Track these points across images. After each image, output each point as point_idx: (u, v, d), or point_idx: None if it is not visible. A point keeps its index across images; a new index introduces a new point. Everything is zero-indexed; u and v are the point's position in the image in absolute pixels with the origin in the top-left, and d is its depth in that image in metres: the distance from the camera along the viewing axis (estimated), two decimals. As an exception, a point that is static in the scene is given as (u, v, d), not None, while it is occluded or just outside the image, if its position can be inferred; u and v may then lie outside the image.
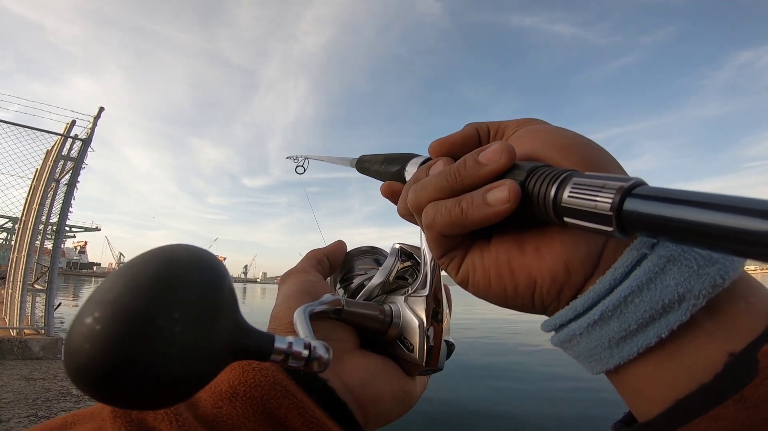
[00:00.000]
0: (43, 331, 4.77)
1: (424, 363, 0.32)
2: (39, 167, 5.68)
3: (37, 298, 5.14)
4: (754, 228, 0.13)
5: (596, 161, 0.24)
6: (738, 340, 0.19)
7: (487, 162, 0.23)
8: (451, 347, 0.35)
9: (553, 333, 0.25)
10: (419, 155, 0.33)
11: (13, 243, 6.14)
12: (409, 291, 0.34)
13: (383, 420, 0.32)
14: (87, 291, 27.66)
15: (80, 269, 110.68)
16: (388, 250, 0.39)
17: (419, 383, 0.36)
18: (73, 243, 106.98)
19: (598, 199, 0.18)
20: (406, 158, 0.33)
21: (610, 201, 0.18)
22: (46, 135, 5.48)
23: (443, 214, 0.24)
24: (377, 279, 0.37)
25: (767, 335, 0.19)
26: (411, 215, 0.29)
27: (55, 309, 5.08)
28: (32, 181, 5.76)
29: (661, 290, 0.20)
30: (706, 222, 0.14)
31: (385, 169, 0.35)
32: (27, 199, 5.72)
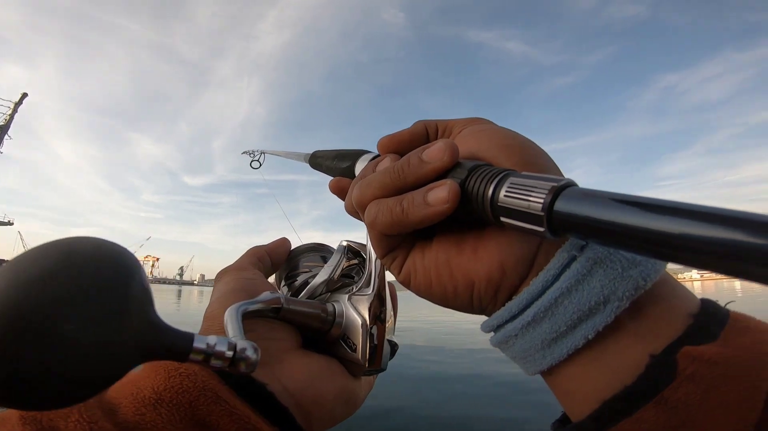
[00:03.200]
0: None
1: (366, 364, 0.31)
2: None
3: None
4: (674, 231, 0.13)
5: (536, 162, 0.24)
6: (659, 342, 0.20)
7: (430, 160, 0.23)
8: (394, 347, 0.34)
9: (492, 334, 0.25)
10: (370, 152, 0.32)
11: None
12: (354, 290, 0.33)
13: (327, 421, 0.30)
14: None
15: None
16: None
17: (365, 383, 0.34)
18: None
19: (531, 198, 0.18)
20: (358, 154, 0.32)
21: (541, 201, 0.18)
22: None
23: (385, 213, 0.24)
24: (321, 277, 0.35)
25: (687, 337, 0.20)
26: (356, 213, 0.28)
27: None
28: None
29: (588, 292, 0.20)
30: (630, 225, 0.15)
31: (336, 164, 0.34)
32: None
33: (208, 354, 0.19)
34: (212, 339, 0.19)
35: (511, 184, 0.20)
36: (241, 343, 0.20)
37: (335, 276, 0.35)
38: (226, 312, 0.25)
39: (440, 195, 0.22)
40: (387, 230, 0.24)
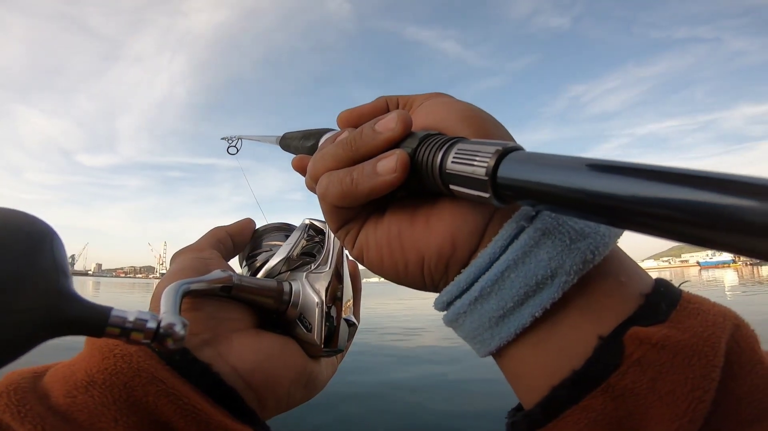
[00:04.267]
0: None
1: (322, 344, 0.30)
2: None
3: None
4: (625, 193, 0.12)
5: (491, 132, 0.23)
6: (607, 322, 0.19)
7: (383, 131, 0.22)
8: (352, 327, 0.33)
9: (444, 313, 0.24)
10: (335, 129, 0.31)
11: None
12: (312, 268, 0.32)
13: (285, 404, 0.29)
14: None
15: None
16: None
17: (327, 365, 0.33)
18: None
19: (475, 163, 0.18)
20: (321, 132, 0.32)
21: (485, 165, 0.17)
22: None
23: (335, 183, 0.23)
24: (279, 256, 0.33)
25: (636, 317, 0.19)
26: (311, 187, 0.27)
27: None
28: None
29: (535, 265, 0.20)
30: (578, 188, 0.14)
31: (302, 144, 0.33)
32: None
33: (127, 328, 0.18)
34: (133, 314, 0.18)
35: (458, 150, 0.19)
36: (168, 318, 0.19)
37: (294, 255, 0.34)
38: (165, 290, 0.23)
39: (389, 164, 0.21)
40: (338, 202, 0.24)
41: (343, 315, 0.32)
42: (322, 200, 0.25)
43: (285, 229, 0.38)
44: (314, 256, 0.35)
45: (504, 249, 0.20)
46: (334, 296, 0.31)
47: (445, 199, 0.22)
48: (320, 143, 0.30)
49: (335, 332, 0.31)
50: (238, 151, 0.50)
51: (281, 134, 0.38)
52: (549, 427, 0.20)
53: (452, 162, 0.19)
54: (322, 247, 0.34)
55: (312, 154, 0.28)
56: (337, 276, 0.31)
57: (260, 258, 0.36)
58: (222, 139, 0.53)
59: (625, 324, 0.19)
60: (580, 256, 0.19)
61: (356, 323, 0.34)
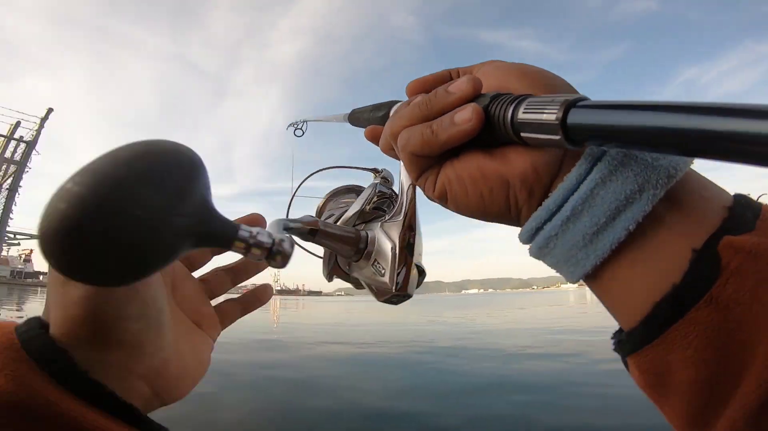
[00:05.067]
0: None
1: (394, 288, 0.31)
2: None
3: None
4: (690, 127, 0.14)
5: (554, 85, 0.25)
6: (698, 235, 0.20)
7: (455, 91, 0.25)
8: (422, 273, 0.34)
9: (529, 246, 0.25)
10: (402, 100, 0.32)
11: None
12: (386, 218, 0.34)
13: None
14: (32, 303, 22.96)
15: (25, 278, 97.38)
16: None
17: (202, 343, 0.29)
18: (18, 251, 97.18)
19: (545, 112, 0.20)
20: (391, 104, 0.33)
21: (555, 112, 0.19)
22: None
23: (416, 135, 0.25)
24: (354, 209, 0.37)
25: (725, 228, 0.19)
26: (391, 149, 0.29)
27: None
28: None
29: (622, 181, 0.20)
30: (647, 126, 0.16)
31: (373, 115, 0.35)
32: None
33: (250, 244, 0.20)
34: (255, 230, 0.20)
35: (528, 103, 0.21)
36: (279, 236, 0.21)
37: (367, 208, 0.36)
38: (271, 221, 0.27)
39: (465, 115, 0.23)
40: (419, 150, 0.26)
41: (414, 262, 0.32)
42: (403, 151, 0.27)
43: (355, 190, 0.42)
44: (385, 211, 0.37)
45: (588, 170, 0.21)
46: (406, 243, 0.32)
47: (518, 145, 0.23)
48: (392, 111, 0.32)
49: (406, 277, 0.31)
50: (303, 133, 0.51)
51: (348, 112, 0.40)
52: (656, 343, 0.20)
53: (523, 113, 0.21)
54: (393, 203, 0.37)
55: (383, 125, 0.31)
56: (410, 225, 0.32)
57: (336, 213, 0.39)
58: (288, 126, 0.52)
59: (715, 236, 0.19)
60: (663, 172, 0.20)
61: (425, 271, 0.34)
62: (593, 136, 0.19)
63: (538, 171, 0.23)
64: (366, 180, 0.42)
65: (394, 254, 0.31)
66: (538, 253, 0.24)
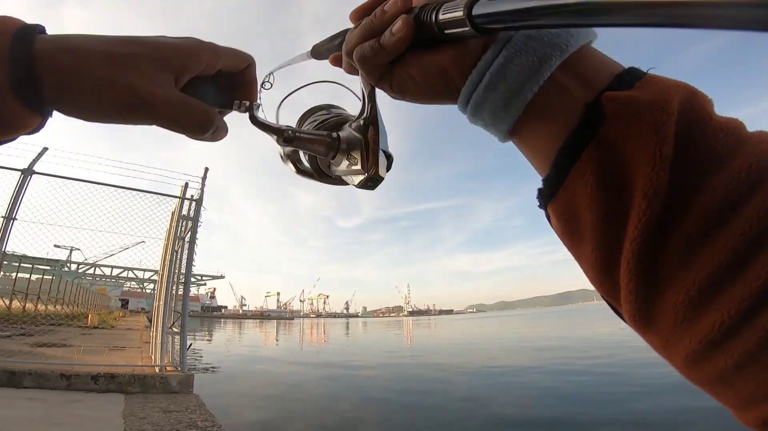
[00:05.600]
0: (179, 368, 5.15)
1: (367, 172, 0.34)
2: (168, 227, 6.20)
3: (176, 338, 5.63)
4: (565, 2, 0.18)
5: None
6: (590, 93, 0.25)
7: (389, 9, 0.29)
8: (389, 157, 0.38)
9: (466, 113, 0.30)
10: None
11: (155, 292, 7.24)
12: (353, 120, 0.37)
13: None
14: (218, 332, 31.62)
15: (211, 312, 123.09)
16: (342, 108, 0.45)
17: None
18: (205, 289, 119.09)
19: (455, 11, 0.25)
20: (345, 32, 0.36)
21: (462, 9, 0.24)
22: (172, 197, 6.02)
23: (367, 49, 0.30)
24: (332, 118, 0.42)
25: (609, 87, 0.24)
26: (352, 67, 0.34)
27: (188, 348, 5.61)
28: (165, 240, 6.41)
29: (526, 57, 0.25)
30: (532, 7, 0.20)
31: (331, 45, 0.39)
32: (163, 256, 6.52)
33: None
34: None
35: (444, 7, 0.26)
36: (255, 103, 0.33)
37: (341, 120, 0.41)
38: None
39: (398, 24, 0.28)
40: (371, 61, 0.31)
41: (381, 148, 0.35)
42: (361, 63, 0.31)
43: (325, 107, 0.45)
44: (350, 118, 0.40)
45: (500, 50, 0.26)
46: (369, 134, 0.35)
47: (447, 42, 0.28)
48: (346, 37, 0.34)
49: (375, 161, 0.35)
50: (272, 85, 0.50)
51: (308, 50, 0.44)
52: (564, 186, 0.25)
53: (442, 15, 0.26)
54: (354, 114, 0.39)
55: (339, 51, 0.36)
56: (372, 121, 0.35)
57: (314, 122, 0.43)
58: (260, 86, 0.50)
59: (602, 93, 0.24)
60: (557, 47, 0.25)
61: (392, 156, 0.38)
62: (494, 22, 0.23)
63: (465, 56, 0.28)
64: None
65: (362, 144, 0.35)
66: (472, 118, 0.30)
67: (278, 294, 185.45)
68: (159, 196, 6.15)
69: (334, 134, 0.38)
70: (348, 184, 0.39)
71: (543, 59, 0.25)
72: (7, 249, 5.55)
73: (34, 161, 5.15)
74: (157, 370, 5.02)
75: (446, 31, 0.26)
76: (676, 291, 0.21)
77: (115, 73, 0.28)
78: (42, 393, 3.91)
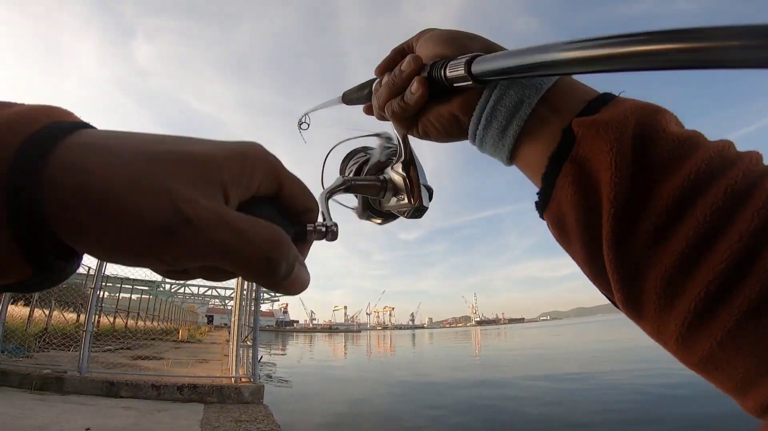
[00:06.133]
0: (251, 379, 5.47)
1: (413, 204, 0.42)
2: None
3: (249, 351, 5.87)
4: (534, 61, 0.26)
5: (466, 46, 0.34)
6: (565, 120, 0.29)
7: (405, 69, 0.35)
8: (430, 190, 0.44)
9: (475, 145, 0.35)
10: (377, 78, 0.43)
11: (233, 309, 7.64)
12: (393, 163, 0.44)
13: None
14: (290, 345, 33.13)
15: (285, 326, 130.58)
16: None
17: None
18: (279, 305, 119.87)
19: (458, 69, 0.31)
20: (370, 82, 0.43)
21: (463, 67, 0.31)
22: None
23: (395, 107, 0.37)
24: (372, 160, 0.47)
25: (580, 114, 0.29)
26: (383, 117, 0.41)
27: (259, 361, 5.91)
28: None
29: (509, 99, 0.31)
30: (514, 65, 0.27)
31: (360, 94, 0.46)
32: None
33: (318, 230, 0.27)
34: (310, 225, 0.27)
35: (450, 65, 0.32)
36: (329, 222, 0.28)
37: (381, 159, 0.46)
38: (318, 195, 0.32)
39: (414, 86, 0.35)
40: (400, 115, 0.37)
41: (422, 183, 0.42)
42: (392, 118, 0.38)
43: (362, 150, 0.51)
44: (392, 160, 0.46)
45: (490, 96, 0.32)
46: (409, 173, 0.42)
47: (456, 92, 0.34)
48: (373, 88, 0.42)
49: (418, 194, 0.42)
50: (308, 126, 0.59)
51: (339, 95, 0.51)
52: (553, 196, 0.29)
53: (449, 72, 0.32)
54: (395, 153, 0.46)
55: (369, 100, 0.44)
56: (410, 161, 0.42)
57: (354, 169, 0.49)
58: (298, 124, 0.62)
59: (574, 118, 0.29)
60: (533, 88, 0.31)
61: (432, 189, 0.44)
62: (488, 75, 0.30)
63: (468, 103, 0.34)
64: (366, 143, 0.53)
65: (405, 182, 0.42)
66: (480, 149, 0.35)
67: (345, 308, 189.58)
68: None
69: (381, 177, 0.44)
70: (398, 217, 0.47)
71: (522, 99, 0.31)
72: (110, 272, 6.43)
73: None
74: (233, 381, 5.35)
75: (455, 85, 0.33)
76: (652, 278, 0.24)
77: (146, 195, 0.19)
78: (135, 403, 4.36)
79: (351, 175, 0.48)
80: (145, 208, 0.18)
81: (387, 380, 11.17)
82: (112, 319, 12.62)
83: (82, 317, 7.78)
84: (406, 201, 0.42)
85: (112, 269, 6.12)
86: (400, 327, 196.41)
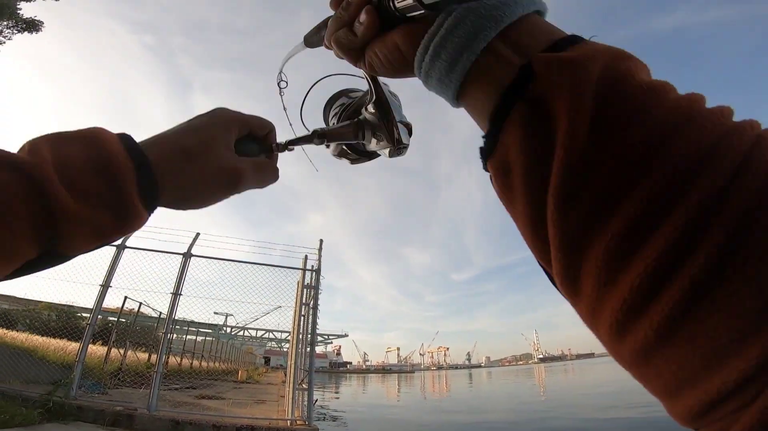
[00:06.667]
0: (307, 422, 5.58)
1: (394, 143, 0.42)
2: (295, 295, 7.20)
3: (304, 394, 5.94)
4: None
5: None
6: (524, 58, 0.26)
7: (353, 1, 0.33)
8: (408, 126, 0.44)
9: (424, 79, 0.32)
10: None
11: (289, 351, 8.00)
12: (366, 103, 0.45)
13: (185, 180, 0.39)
14: (344, 386, 33.07)
15: (338, 368, 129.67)
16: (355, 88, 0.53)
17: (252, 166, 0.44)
18: (332, 347, 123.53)
19: None
20: (327, 20, 0.40)
21: None
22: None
23: (342, 37, 0.34)
24: (351, 103, 0.49)
25: (546, 50, 0.26)
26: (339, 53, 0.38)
27: (314, 403, 6.04)
28: (295, 306, 7.19)
29: (463, 29, 0.28)
30: None
31: (319, 33, 0.43)
32: (293, 319, 7.22)
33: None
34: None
35: None
36: (283, 141, 0.46)
37: (359, 102, 0.48)
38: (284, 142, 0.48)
39: (363, 17, 0.32)
40: (346, 46, 0.35)
41: (398, 120, 0.42)
42: (338, 50, 0.36)
43: (344, 93, 0.52)
44: (365, 99, 0.47)
45: (442, 24, 0.29)
46: (385, 112, 0.42)
47: (407, 21, 0.31)
48: (328, 25, 0.39)
49: (397, 131, 0.42)
50: (287, 84, 0.57)
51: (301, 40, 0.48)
52: (500, 140, 0.26)
53: (397, 0, 0.30)
54: (366, 94, 0.46)
55: None
56: (381, 101, 0.42)
57: (338, 112, 0.51)
58: (278, 86, 0.60)
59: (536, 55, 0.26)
60: (492, 19, 0.27)
61: (410, 124, 0.45)
62: (439, 1, 0.27)
63: (416, 32, 0.31)
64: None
65: (381, 122, 0.42)
66: (425, 84, 0.32)
67: (398, 349, 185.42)
68: (287, 269, 7.11)
69: (355, 120, 0.45)
70: (376, 157, 0.49)
71: (478, 30, 0.27)
72: (179, 317, 6.81)
73: (191, 245, 6.27)
74: (288, 424, 5.50)
75: (405, 14, 0.30)
76: (597, 247, 0.21)
77: (208, 161, 0.39)
78: (198, 442, 4.50)
79: (335, 121, 0.50)
80: (212, 159, 0.39)
81: (444, 420, 10.62)
82: (179, 359, 13.30)
83: (153, 357, 8.55)
84: (385, 141, 0.42)
85: (181, 313, 6.57)
86: (455, 367, 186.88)
